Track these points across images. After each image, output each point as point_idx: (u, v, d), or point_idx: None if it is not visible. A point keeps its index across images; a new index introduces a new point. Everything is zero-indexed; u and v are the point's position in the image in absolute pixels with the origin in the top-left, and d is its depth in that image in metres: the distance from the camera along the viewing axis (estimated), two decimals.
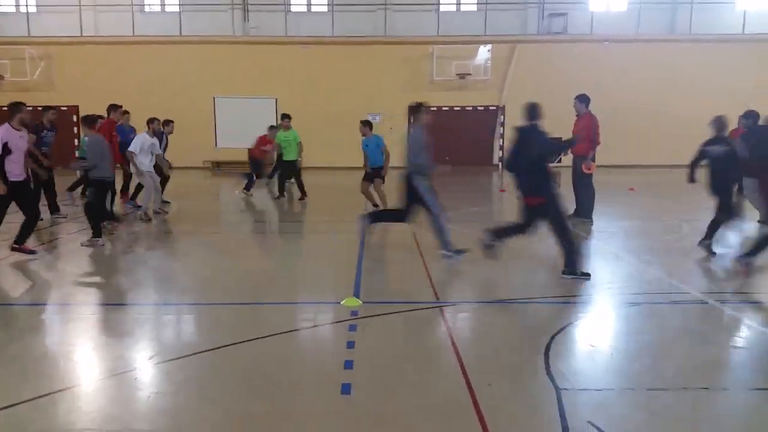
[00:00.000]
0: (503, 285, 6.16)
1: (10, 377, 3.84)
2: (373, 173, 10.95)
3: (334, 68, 22.34)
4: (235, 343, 4.36)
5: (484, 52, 22.13)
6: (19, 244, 7.07)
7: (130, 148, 9.93)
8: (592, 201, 9.69)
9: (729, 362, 4.05)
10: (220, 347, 4.30)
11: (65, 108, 22.92)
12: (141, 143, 9.99)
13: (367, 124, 11.00)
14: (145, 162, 10.01)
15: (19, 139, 7.02)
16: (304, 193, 12.74)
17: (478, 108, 22.97)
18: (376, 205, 10.77)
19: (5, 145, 6.78)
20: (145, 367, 4.01)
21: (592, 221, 9.54)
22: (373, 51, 22.37)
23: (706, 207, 10.93)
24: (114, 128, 10.83)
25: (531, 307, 5.37)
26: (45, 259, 7.33)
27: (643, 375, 3.87)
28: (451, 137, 23.05)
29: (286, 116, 13.48)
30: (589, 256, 7.87)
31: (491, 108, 23.07)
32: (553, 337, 4.40)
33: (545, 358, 4.03)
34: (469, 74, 22.27)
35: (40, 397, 3.51)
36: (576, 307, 5.41)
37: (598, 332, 4.79)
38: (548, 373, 3.79)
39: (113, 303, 5.62)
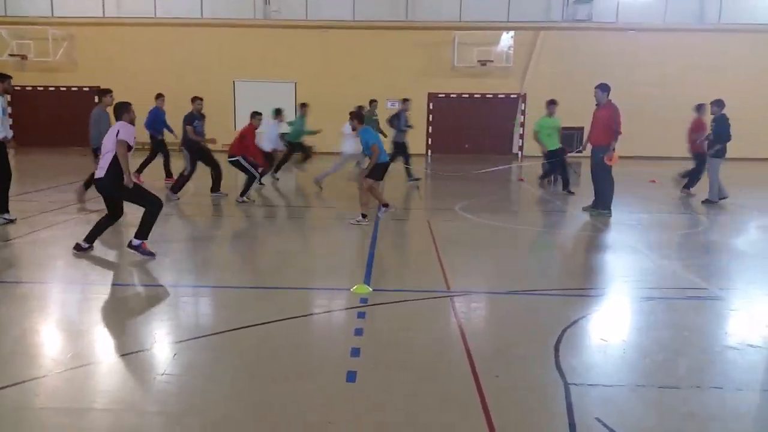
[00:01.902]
0: (516, 276, 6.08)
1: (18, 354, 3.88)
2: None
3: (353, 53, 22.22)
4: (243, 327, 4.36)
5: (506, 39, 21.84)
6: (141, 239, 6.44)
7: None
8: (611, 192, 9.52)
9: (745, 362, 3.94)
10: (228, 330, 4.30)
11: (87, 89, 23.14)
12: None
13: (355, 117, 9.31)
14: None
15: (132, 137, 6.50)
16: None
17: (499, 95, 22.73)
18: (385, 206, 8.91)
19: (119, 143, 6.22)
20: (153, 348, 4.02)
21: (610, 213, 9.39)
22: (394, 36, 22.17)
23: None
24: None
25: (543, 299, 5.29)
26: (59, 236, 7.41)
27: (656, 372, 3.79)
28: (471, 125, 22.89)
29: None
30: (606, 249, 7.76)
31: (512, 96, 22.80)
32: (564, 331, 4.33)
33: (555, 352, 3.96)
34: (491, 61, 22.02)
35: (46, 375, 3.54)
36: (589, 300, 5.32)
37: (610, 327, 4.71)
38: (557, 366, 3.73)
39: (125, 283, 5.65)
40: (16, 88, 23.60)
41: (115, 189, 6.29)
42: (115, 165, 6.17)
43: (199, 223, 9.12)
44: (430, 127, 23.01)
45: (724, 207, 10.48)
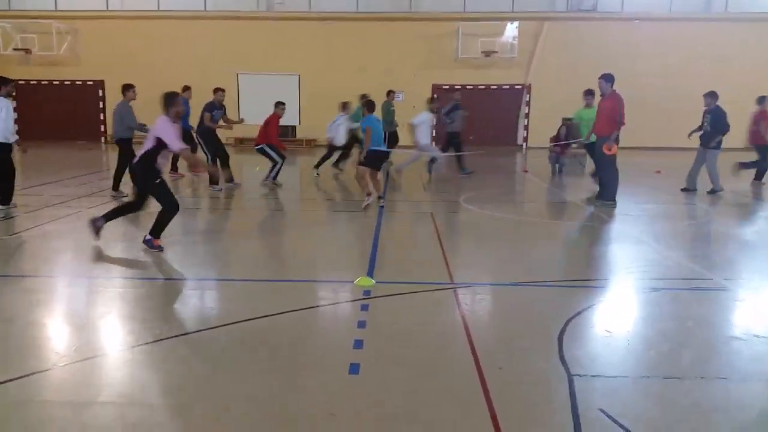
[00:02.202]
0: (520, 267, 6.06)
1: (22, 347, 3.89)
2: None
3: (357, 45, 22.14)
4: (246, 320, 4.36)
5: (511, 30, 21.72)
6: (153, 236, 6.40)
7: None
8: (616, 183, 9.48)
9: (750, 352, 3.92)
10: (231, 323, 4.30)
11: (91, 82, 23.15)
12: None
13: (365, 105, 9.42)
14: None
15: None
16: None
17: (504, 87, 22.62)
18: (379, 197, 9.19)
19: (159, 138, 6.14)
20: (157, 341, 4.03)
21: (615, 203, 9.35)
22: (397, 27, 22.09)
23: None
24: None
25: (547, 290, 5.27)
26: (73, 232, 7.42)
27: (660, 363, 3.78)
28: (475, 116, 22.80)
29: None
30: (610, 240, 7.73)
31: (517, 87, 22.69)
32: (568, 322, 4.31)
33: (559, 343, 3.95)
34: (495, 52, 21.91)
35: (50, 369, 3.54)
36: (593, 291, 5.30)
37: (614, 318, 4.69)
38: (561, 358, 3.72)
39: (129, 277, 5.66)
40: (20, 82, 23.77)
41: (141, 179, 6.34)
42: (147, 158, 6.16)
43: (204, 217, 9.12)
44: (434, 119, 22.91)
45: (728, 197, 10.42)
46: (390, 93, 15.22)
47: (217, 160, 11.19)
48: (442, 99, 12.85)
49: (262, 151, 11.29)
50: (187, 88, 12.68)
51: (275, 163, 11.28)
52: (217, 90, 11.41)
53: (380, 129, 9.18)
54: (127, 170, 8.96)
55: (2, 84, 8.21)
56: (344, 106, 13.34)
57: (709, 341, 4.16)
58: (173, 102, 6.28)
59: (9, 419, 2.99)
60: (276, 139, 11.35)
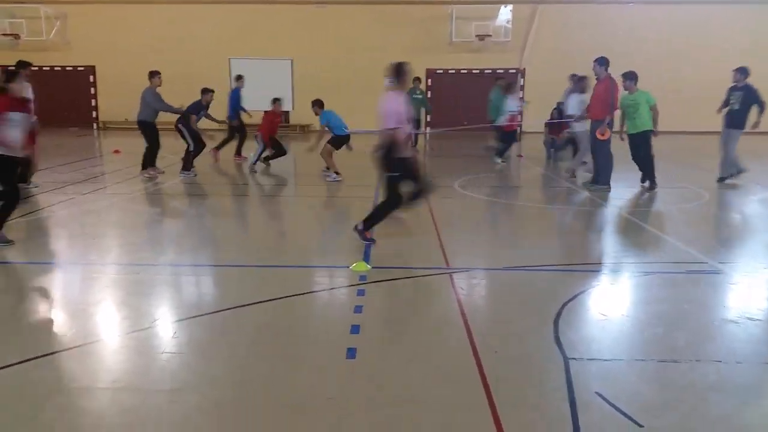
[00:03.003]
0: (515, 252, 6.06)
1: (24, 333, 3.87)
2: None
3: (350, 28, 21.96)
4: (243, 305, 4.35)
5: (505, 13, 21.57)
6: None
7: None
8: (610, 167, 9.48)
9: (745, 335, 3.94)
10: (227, 309, 4.29)
11: (81, 68, 22.90)
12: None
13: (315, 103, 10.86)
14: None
15: None
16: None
17: (498, 71, 22.51)
18: (336, 173, 10.51)
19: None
20: (153, 327, 4.02)
21: (609, 188, 9.36)
22: (391, 11, 21.91)
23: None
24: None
25: (543, 274, 5.28)
26: (58, 216, 7.37)
27: (655, 346, 3.79)
28: (469, 100, 22.69)
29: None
30: (606, 224, 7.74)
31: (511, 71, 22.59)
32: (564, 305, 4.32)
33: (555, 327, 3.96)
34: (489, 36, 21.77)
35: (52, 353, 3.53)
36: (589, 275, 5.31)
37: (610, 301, 4.70)
38: (557, 341, 3.73)
39: (125, 262, 5.63)
40: (9, 68, 23.37)
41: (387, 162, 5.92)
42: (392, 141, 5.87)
43: (198, 202, 9.08)
44: (428, 103, 22.81)
45: (728, 181, 10.44)
46: (416, 80, 14.54)
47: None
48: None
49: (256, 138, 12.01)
50: (239, 77, 13.78)
51: (262, 150, 11.97)
52: (206, 91, 11.66)
53: (338, 119, 10.66)
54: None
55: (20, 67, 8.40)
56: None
57: (704, 324, 4.18)
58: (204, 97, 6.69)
59: (5, 404, 2.98)
60: (266, 135, 11.91)
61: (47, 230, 6.89)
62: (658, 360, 3.56)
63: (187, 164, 11.01)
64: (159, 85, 10.82)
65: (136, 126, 11.00)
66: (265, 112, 12.24)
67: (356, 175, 10.98)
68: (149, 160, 10.85)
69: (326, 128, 10.60)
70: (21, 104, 5.97)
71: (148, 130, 10.79)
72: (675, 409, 3.00)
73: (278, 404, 3.02)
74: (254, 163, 11.90)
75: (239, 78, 13.84)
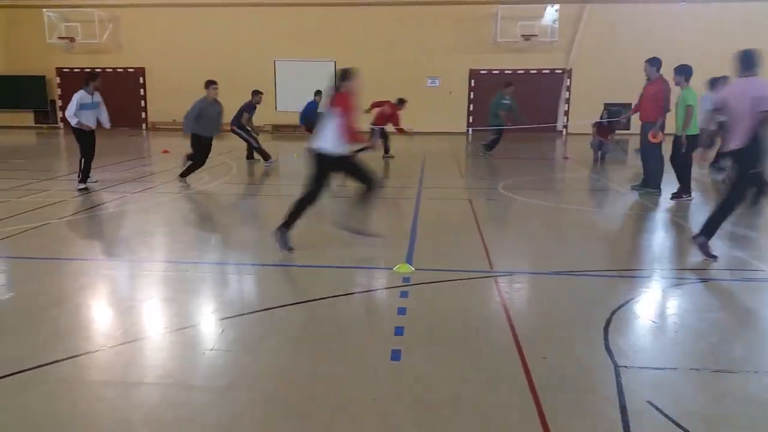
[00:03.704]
0: (561, 256, 5.95)
1: (73, 329, 3.99)
2: None
3: (393, 29, 21.99)
4: (288, 305, 4.39)
5: (551, 13, 21.28)
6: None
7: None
8: (661, 171, 9.22)
9: None
10: (272, 308, 4.34)
11: (132, 70, 23.57)
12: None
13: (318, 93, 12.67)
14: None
15: None
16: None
17: (544, 71, 22.22)
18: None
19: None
20: (200, 324, 4.09)
21: (660, 192, 9.11)
22: (435, 11, 21.86)
23: None
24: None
25: (590, 280, 5.16)
26: (109, 214, 7.59)
27: (709, 355, 3.66)
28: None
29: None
30: (656, 228, 7.53)
31: (557, 71, 22.26)
32: (613, 312, 4.21)
33: (604, 333, 3.86)
34: (535, 35, 21.51)
35: (103, 349, 3.63)
36: (639, 281, 5.17)
37: (661, 309, 4.57)
38: (607, 349, 3.64)
39: (173, 260, 5.75)
40: (64, 70, 24.41)
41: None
42: None
43: (246, 201, 9.22)
44: (471, 105, 22.68)
45: None
46: (508, 86, 14.43)
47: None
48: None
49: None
50: (318, 92, 13.93)
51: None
52: (257, 93, 12.85)
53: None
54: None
55: (90, 79, 9.23)
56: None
57: (762, 333, 4.02)
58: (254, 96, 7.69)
59: (61, 397, 3.07)
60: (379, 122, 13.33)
61: (99, 228, 7.10)
62: (713, 370, 3.43)
63: (265, 154, 12.61)
64: (214, 97, 9.81)
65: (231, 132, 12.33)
66: (391, 104, 13.44)
67: (403, 176, 10.98)
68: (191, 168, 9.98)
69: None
70: None
71: (194, 142, 9.81)
72: (732, 422, 2.89)
73: (324, 403, 3.03)
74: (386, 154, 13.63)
75: (318, 93, 13.85)
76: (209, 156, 10.04)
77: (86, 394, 3.12)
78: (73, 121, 9.08)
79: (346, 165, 5.92)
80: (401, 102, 13.79)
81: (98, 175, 10.72)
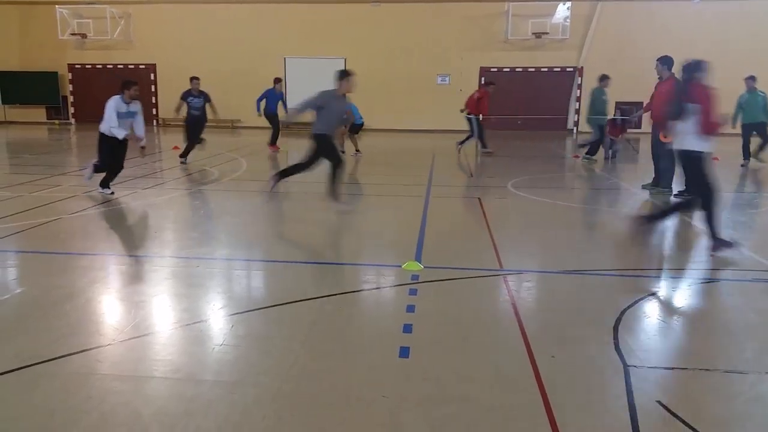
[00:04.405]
0: (571, 255, 5.93)
1: (84, 323, 4.03)
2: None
3: (403, 27, 21.98)
4: (296, 301, 4.41)
5: (563, 10, 21.17)
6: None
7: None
8: (672, 170, 9.16)
9: None
10: (281, 304, 4.35)
11: (143, 66, 23.69)
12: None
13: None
14: None
15: None
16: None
17: (555, 69, 22.12)
18: (357, 151, 13.89)
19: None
20: (210, 319, 4.12)
21: (671, 191, 9.05)
22: (445, 9, 21.81)
23: None
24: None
25: (600, 279, 5.15)
26: (120, 210, 7.64)
27: (720, 356, 3.64)
28: (524, 100, 22.37)
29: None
30: (667, 228, 7.49)
31: (568, 69, 22.16)
32: (623, 312, 4.20)
33: (614, 333, 3.85)
34: (546, 33, 21.43)
35: (115, 343, 3.66)
36: (649, 281, 5.15)
37: (672, 309, 4.54)
38: (616, 348, 3.63)
39: (184, 256, 5.79)
40: (76, 66, 24.58)
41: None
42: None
43: (257, 198, 9.25)
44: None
45: None
46: (604, 79, 13.73)
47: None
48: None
49: (469, 120, 14.55)
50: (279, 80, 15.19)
51: (471, 135, 14.59)
52: (278, 80, 13.62)
53: (356, 109, 13.09)
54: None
55: (125, 87, 8.48)
56: None
57: None
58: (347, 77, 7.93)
59: (74, 390, 3.10)
60: (486, 112, 14.48)
61: (110, 223, 7.15)
62: (724, 371, 3.41)
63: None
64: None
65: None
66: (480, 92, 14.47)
67: (412, 173, 10.98)
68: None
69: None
70: None
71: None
72: (743, 423, 2.88)
73: (333, 399, 3.04)
74: (483, 149, 14.47)
75: (278, 80, 15.24)
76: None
77: (98, 387, 3.15)
78: (105, 128, 8.31)
79: (700, 164, 5.80)
80: (488, 84, 14.81)
81: None
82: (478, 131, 14.51)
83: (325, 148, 7.74)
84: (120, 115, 8.31)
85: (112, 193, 8.55)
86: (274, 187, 8.31)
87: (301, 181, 10.90)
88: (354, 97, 14.57)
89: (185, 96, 12.15)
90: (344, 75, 7.87)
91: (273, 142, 14.97)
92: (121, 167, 8.71)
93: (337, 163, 7.78)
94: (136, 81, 8.74)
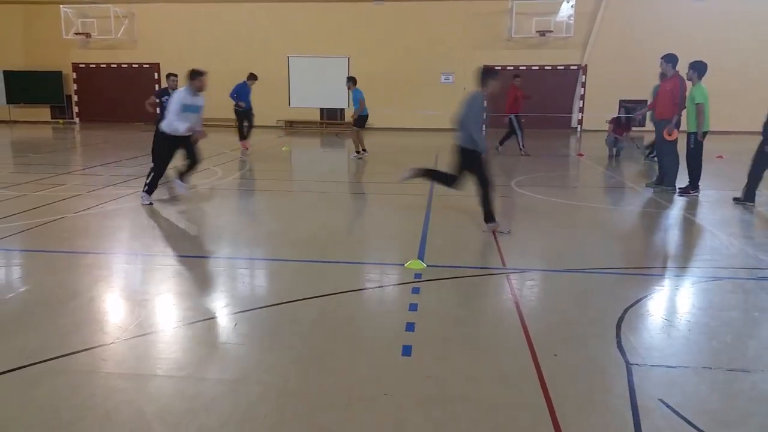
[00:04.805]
0: (574, 253, 5.93)
1: (88, 321, 4.05)
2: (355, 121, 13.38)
3: (407, 25, 21.97)
4: (299, 300, 4.42)
5: (567, 8, 21.11)
6: None
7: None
8: (676, 168, 9.15)
9: None
10: (285, 302, 4.37)
11: (147, 65, 23.74)
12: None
13: (350, 80, 13.26)
14: None
15: None
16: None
17: (558, 67, 22.07)
18: (363, 150, 13.43)
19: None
20: (213, 318, 4.13)
21: (675, 189, 9.04)
22: (448, 7, 21.79)
23: None
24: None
25: (604, 277, 5.14)
26: (123, 209, 7.67)
27: (723, 354, 3.64)
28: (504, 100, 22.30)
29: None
30: (670, 226, 7.48)
31: (572, 67, 22.11)
32: (626, 310, 4.20)
33: (617, 331, 3.85)
34: (550, 31, 21.37)
35: (118, 341, 3.68)
36: (652, 279, 5.14)
37: (675, 307, 4.54)
38: (619, 346, 3.63)
39: (187, 255, 5.81)
40: (80, 65, 24.61)
41: None
42: None
43: (259, 197, 9.27)
44: (485, 101, 22.59)
45: None
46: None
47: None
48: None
49: (509, 121, 14.36)
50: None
51: (513, 133, 14.38)
52: (169, 75, 11.22)
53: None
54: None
55: (194, 76, 7.60)
56: None
57: None
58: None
59: (78, 387, 3.12)
60: (515, 109, 14.26)
61: (114, 222, 7.17)
62: (727, 369, 3.41)
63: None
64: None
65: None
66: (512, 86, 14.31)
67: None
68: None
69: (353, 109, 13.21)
70: None
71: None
72: (745, 422, 2.87)
73: (336, 397, 3.05)
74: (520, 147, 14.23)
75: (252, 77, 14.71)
76: None
77: (102, 384, 3.17)
78: (166, 125, 7.56)
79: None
80: (515, 78, 14.70)
81: (114, 170, 10.83)
82: (519, 130, 14.41)
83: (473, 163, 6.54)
84: (185, 108, 7.48)
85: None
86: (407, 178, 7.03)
87: (303, 179, 10.91)
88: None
89: (160, 94, 10.72)
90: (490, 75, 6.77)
91: (244, 137, 14.50)
92: (198, 161, 8.15)
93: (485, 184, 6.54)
94: (204, 71, 7.70)
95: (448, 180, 6.84)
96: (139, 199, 8.01)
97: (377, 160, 12.77)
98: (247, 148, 14.32)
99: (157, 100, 10.74)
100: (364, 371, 3.34)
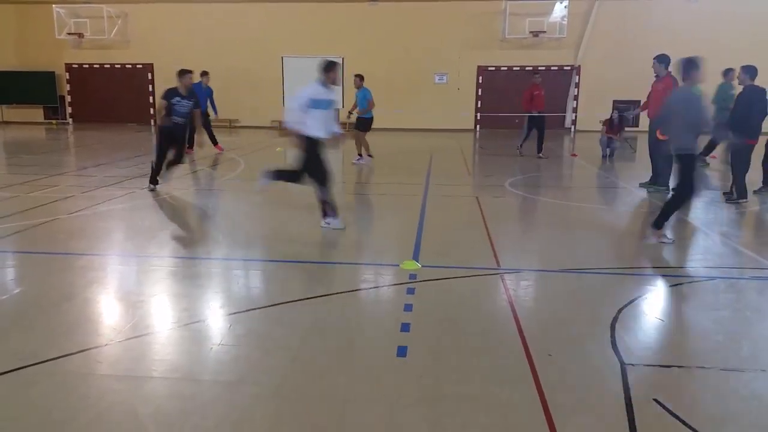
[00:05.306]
0: (568, 254, 5.95)
1: (83, 323, 4.03)
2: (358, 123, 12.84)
3: (401, 26, 21.98)
4: (294, 301, 4.42)
5: (560, 9, 21.17)
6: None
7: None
8: (670, 168, 9.17)
9: None
10: (280, 303, 4.36)
11: (140, 66, 23.66)
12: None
13: (359, 77, 12.82)
14: None
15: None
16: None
17: (552, 68, 22.13)
18: (368, 155, 12.74)
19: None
20: (209, 319, 4.12)
21: (668, 189, 9.07)
22: (441, 7, 21.81)
23: None
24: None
25: (598, 277, 5.16)
26: (118, 210, 7.64)
27: (717, 354, 3.66)
28: (520, 98, 22.34)
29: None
30: (664, 227, 7.50)
31: (566, 68, 22.18)
32: (620, 310, 4.22)
33: (611, 331, 3.86)
34: (544, 32, 21.42)
35: (113, 343, 3.67)
36: (646, 279, 5.17)
37: (669, 307, 4.56)
38: (613, 346, 3.64)
39: (182, 256, 5.79)
40: (73, 66, 24.50)
41: None
42: None
43: (253, 198, 9.25)
44: (479, 102, 22.65)
45: None
46: (729, 72, 12.34)
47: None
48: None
49: (531, 120, 14.03)
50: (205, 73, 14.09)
51: (539, 133, 13.92)
52: (185, 73, 10.19)
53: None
54: None
55: (328, 69, 6.54)
56: None
57: None
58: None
59: (72, 389, 3.11)
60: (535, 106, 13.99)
61: (108, 223, 7.15)
62: (720, 368, 3.43)
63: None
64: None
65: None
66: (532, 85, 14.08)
67: (410, 173, 10.98)
68: None
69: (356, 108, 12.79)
70: None
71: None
72: (739, 421, 2.89)
73: (331, 398, 3.05)
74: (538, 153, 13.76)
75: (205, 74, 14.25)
76: None
77: (97, 386, 3.16)
78: (295, 125, 6.48)
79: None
80: (535, 74, 14.73)
81: (108, 171, 10.78)
82: (527, 130, 14.14)
83: None
84: (317, 104, 6.41)
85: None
86: None
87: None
88: (351, 97, 14.63)
89: (169, 96, 9.44)
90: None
91: (215, 141, 14.18)
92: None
93: None
94: (338, 62, 6.84)
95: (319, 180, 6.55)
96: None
97: (375, 160, 12.75)
98: (222, 150, 14.16)
99: (166, 103, 9.70)
100: (360, 372, 3.34)
